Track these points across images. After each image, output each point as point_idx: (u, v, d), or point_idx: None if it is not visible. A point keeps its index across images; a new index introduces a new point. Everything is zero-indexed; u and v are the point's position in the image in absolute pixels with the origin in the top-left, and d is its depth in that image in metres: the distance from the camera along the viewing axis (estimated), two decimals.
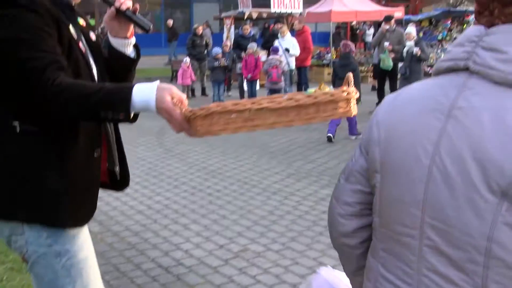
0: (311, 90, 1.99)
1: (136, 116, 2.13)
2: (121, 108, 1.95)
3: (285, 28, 13.88)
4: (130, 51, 2.40)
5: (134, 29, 2.38)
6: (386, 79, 13.02)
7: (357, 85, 10.70)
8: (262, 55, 16.19)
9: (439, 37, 23.59)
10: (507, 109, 1.29)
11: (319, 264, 4.86)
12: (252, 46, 13.59)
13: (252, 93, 13.27)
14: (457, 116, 1.35)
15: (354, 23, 27.62)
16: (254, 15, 18.76)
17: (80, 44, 2.19)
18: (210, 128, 1.91)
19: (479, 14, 1.39)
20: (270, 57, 12.67)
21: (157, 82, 1.99)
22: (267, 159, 8.72)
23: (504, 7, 1.32)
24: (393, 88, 12.79)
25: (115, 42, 2.35)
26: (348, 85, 1.91)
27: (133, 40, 2.39)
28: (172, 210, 6.20)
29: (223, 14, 21.54)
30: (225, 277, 4.68)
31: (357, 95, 1.91)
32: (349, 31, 29.70)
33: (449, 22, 23.36)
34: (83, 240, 2.25)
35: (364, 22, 26.54)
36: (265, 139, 10.12)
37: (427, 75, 14.67)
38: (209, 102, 13.83)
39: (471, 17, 22.51)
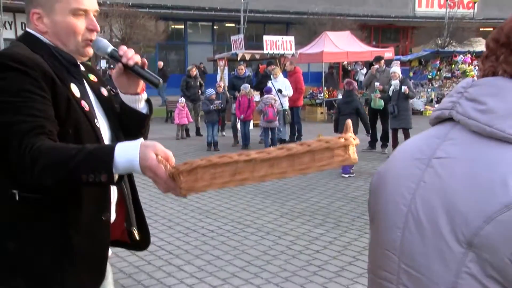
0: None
1: (121, 177, 2.00)
2: (102, 170, 1.81)
3: (277, 70, 14.03)
4: (142, 106, 2.32)
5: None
6: (377, 118, 13.15)
7: (364, 122, 11.04)
8: (256, 95, 16.36)
9: (429, 76, 23.92)
10: (480, 161, 1.32)
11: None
12: (245, 87, 13.67)
13: (246, 133, 13.34)
14: (434, 166, 1.39)
15: (346, 63, 27.95)
16: (247, 57, 18.91)
17: (83, 103, 2.09)
18: (195, 184, 1.75)
19: (486, 58, 1.41)
20: (265, 96, 12.78)
21: (141, 139, 1.87)
22: (261, 198, 8.73)
23: (510, 55, 1.34)
24: (384, 127, 12.91)
25: (125, 98, 2.28)
26: (347, 131, 1.73)
27: (144, 95, 2.31)
28: (166, 251, 6.18)
29: (217, 56, 21.73)
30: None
31: (357, 141, 1.73)
32: (341, 71, 30.07)
33: (438, 62, 23.66)
34: None
35: (356, 62, 26.85)
36: None
37: (416, 113, 14.80)
38: (204, 141, 13.94)
39: (459, 57, 22.88)
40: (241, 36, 20.50)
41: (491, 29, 36.44)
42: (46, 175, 1.83)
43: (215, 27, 32.02)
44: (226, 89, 15.41)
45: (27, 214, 2.00)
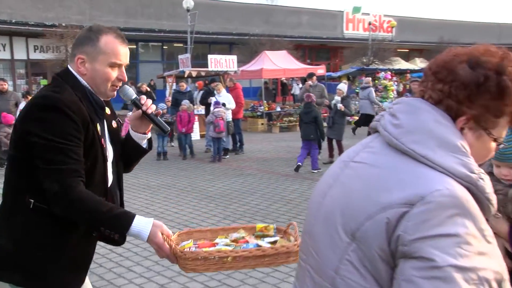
0: (259, 225, 2.44)
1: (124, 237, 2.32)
2: (118, 232, 2.18)
3: (220, 86, 13.99)
4: (144, 142, 2.58)
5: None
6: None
7: (320, 129, 11.36)
8: (201, 109, 16.28)
9: (356, 90, 24.38)
10: (381, 168, 1.37)
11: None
12: (186, 103, 13.49)
13: (188, 144, 13.30)
14: (350, 167, 1.46)
15: (283, 79, 28.15)
16: (194, 74, 18.85)
17: (103, 141, 2.32)
18: (197, 267, 2.13)
19: (421, 83, 1.46)
20: (216, 109, 12.69)
21: (152, 219, 2.19)
22: (206, 202, 8.63)
23: (436, 83, 1.39)
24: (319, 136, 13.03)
25: (134, 135, 2.53)
26: (296, 239, 2.23)
27: (149, 135, 2.57)
28: (116, 253, 6.00)
29: (166, 73, 21.55)
30: None
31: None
32: (279, 86, 30.28)
33: (363, 78, 24.16)
34: None
35: (293, 78, 27.09)
36: (204, 184, 10.07)
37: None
38: (154, 152, 13.73)
39: (381, 74, 23.49)
40: (188, 55, 20.41)
41: (407, 50, 37.81)
42: (76, 216, 2.15)
43: (164, 47, 31.73)
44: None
45: (34, 221, 2.19)
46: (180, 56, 20.62)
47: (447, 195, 1.24)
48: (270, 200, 8.78)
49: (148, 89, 17.07)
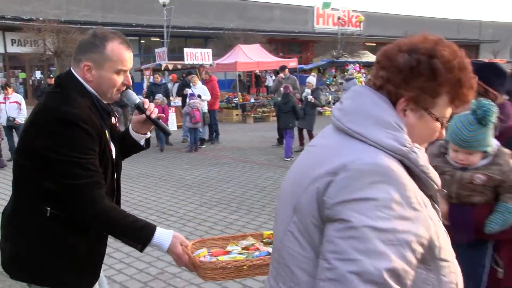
0: (266, 232, 2.47)
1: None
2: (140, 243, 2.17)
3: (195, 78, 13.88)
4: (143, 141, 2.59)
5: None
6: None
7: (298, 117, 11.54)
8: (177, 101, 16.15)
9: (327, 82, 24.52)
10: (326, 148, 1.44)
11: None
12: (159, 97, 13.02)
13: (162, 137, 13.01)
14: (305, 151, 1.55)
15: (257, 71, 28.12)
16: (170, 67, 18.69)
17: (111, 146, 2.34)
18: (216, 276, 2.17)
19: (373, 74, 1.51)
20: (192, 101, 12.58)
21: (172, 232, 2.25)
22: (183, 191, 8.60)
23: (378, 71, 1.45)
24: (280, 126, 13.06)
25: (135, 135, 2.54)
26: None
27: (148, 134, 2.59)
28: None
29: (143, 66, 21.31)
30: None
31: None
32: (253, 78, 30.25)
33: (333, 70, 24.34)
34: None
35: (266, 71, 27.06)
36: (181, 173, 10.02)
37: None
38: None
39: (350, 66, 23.61)
40: (165, 49, 20.21)
41: (374, 44, 38.15)
42: (101, 228, 2.23)
43: (141, 41, 31.38)
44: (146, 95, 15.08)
45: (51, 229, 2.18)
46: (157, 50, 20.39)
47: (368, 163, 1.29)
48: (245, 187, 8.78)
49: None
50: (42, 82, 15.74)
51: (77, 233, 2.23)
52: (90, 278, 2.37)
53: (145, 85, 18.51)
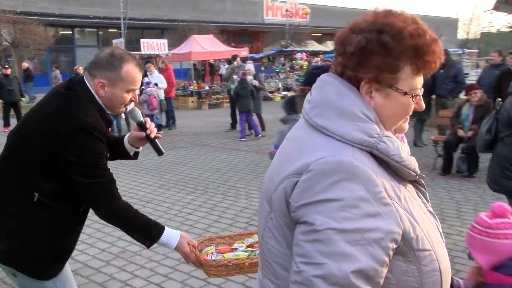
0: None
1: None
2: (149, 240, 2.26)
3: (152, 67, 13.64)
4: (132, 152, 2.60)
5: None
6: (235, 103, 13.22)
7: (256, 102, 11.76)
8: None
9: (276, 70, 24.59)
10: (297, 142, 1.32)
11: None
12: None
13: (118, 125, 12.63)
14: (283, 142, 1.41)
15: (211, 60, 27.89)
16: None
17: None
18: (219, 273, 2.22)
19: (333, 61, 1.37)
20: (148, 89, 12.35)
21: (179, 232, 2.34)
22: (142, 174, 8.50)
23: (336, 57, 1.32)
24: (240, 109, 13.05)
25: (128, 147, 2.56)
26: None
27: (140, 149, 2.62)
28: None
29: None
30: (106, 276, 4.49)
31: None
32: (208, 67, 30.01)
33: (282, 58, 24.42)
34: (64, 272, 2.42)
35: (219, 60, 26.87)
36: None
37: (267, 99, 15.19)
38: None
39: (298, 55, 23.76)
40: (122, 40, 19.85)
41: (320, 34, 38.42)
42: (115, 223, 2.31)
43: (99, 33, 30.55)
44: None
45: (35, 214, 2.21)
46: (114, 41, 20.02)
47: (330, 162, 1.18)
48: (201, 169, 8.76)
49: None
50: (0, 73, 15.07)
51: (56, 223, 2.25)
52: (64, 261, 2.39)
53: None
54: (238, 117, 12.31)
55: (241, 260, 2.20)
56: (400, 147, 1.25)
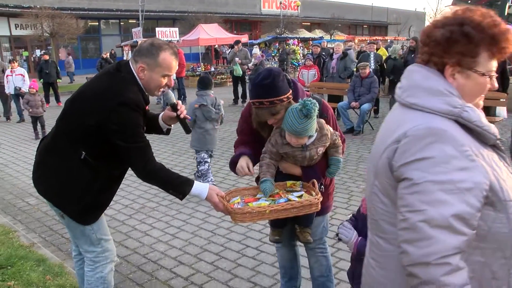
0: (289, 182, 2.39)
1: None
2: (181, 193, 2.27)
3: None
4: (165, 128, 2.61)
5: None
6: (238, 83, 13.11)
7: None
8: None
9: (272, 54, 24.27)
10: (394, 121, 1.38)
11: (196, 212, 4.82)
12: None
13: None
14: (383, 122, 1.48)
15: (216, 46, 27.52)
16: None
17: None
18: (244, 219, 2.17)
19: (419, 52, 1.42)
20: None
21: (207, 184, 2.33)
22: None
23: (422, 48, 1.38)
24: (243, 88, 12.93)
25: (162, 124, 2.57)
26: (317, 193, 2.22)
27: (171, 126, 2.62)
28: None
29: (123, 43, 20.55)
30: (130, 227, 4.52)
31: (321, 198, 2.20)
32: (213, 52, 29.63)
33: (277, 44, 24.09)
34: (100, 220, 2.48)
35: (223, 45, 26.49)
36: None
37: None
38: None
39: (290, 41, 23.40)
40: (140, 28, 19.50)
41: (309, 23, 37.85)
42: (153, 182, 2.29)
43: (121, 23, 30.02)
44: None
45: (80, 168, 2.26)
46: (133, 30, 19.68)
47: (423, 128, 1.24)
48: None
49: (108, 57, 16.08)
50: (41, 56, 14.96)
51: (97, 179, 2.29)
52: (100, 212, 2.45)
53: (125, 58, 17.79)
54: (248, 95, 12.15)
55: (263, 208, 2.16)
56: (480, 115, 1.29)
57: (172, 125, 2.63)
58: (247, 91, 12.39)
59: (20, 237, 4.21)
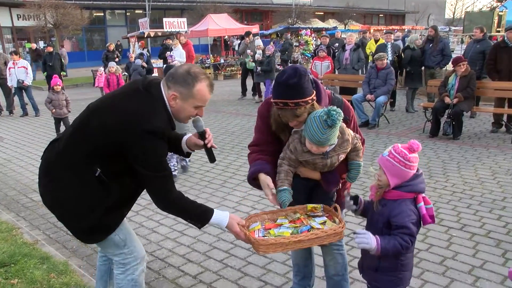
0: (309, 205, 2.39)
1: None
2: (201, 223, 2.29)
3: (177, 42, 13.48)
4: (186, 151, 2.60)
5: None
6: (247, 75, 13.07)
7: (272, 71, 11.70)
8: (159, 63, 15.74)
9: (294, 45, 24.10)
10: None
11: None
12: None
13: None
14: None
15: (226, 37, 27.49)
16: (152, 34, 18.14)
17: None
18: (267, 250, 2.17)
19: None
20: (174, 61, 12.16)
21: (228, 213, 2.32)
22: None
23: None
24: (254, 81, 12.87)
25: (184, 147, 2.56)
26: (340, 220, 2.23)
27: (193, 151, 2.60)
28: None
29: (129, 34, 20.62)
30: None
31: (345, 227, 2.22)
32: (223, 43, 29.60)
33: (289, 34, 23.92)
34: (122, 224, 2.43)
35: (233, 36, 26.47)
36: None
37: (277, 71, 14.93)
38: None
39: (303, 32, 23.25)
40: (147, 19, 19.58)
41: (322, 13, 37.58)
42: (172, 212, 2.31)
43: (127, 14, 30.17)
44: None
45: (94, 185, 2.19)
46: (140, 20, 19.73)
47: None
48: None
49: (114, 49, 16.12)
50: (44, 47, 15.04)
51: (109, 198, 2.23)
52: (105, 234, 2.37)
53: (131, 50, 17.86)
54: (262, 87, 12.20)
55: (286, 239, 2.15)
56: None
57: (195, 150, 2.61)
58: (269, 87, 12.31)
59: (23, 234, 4.26)
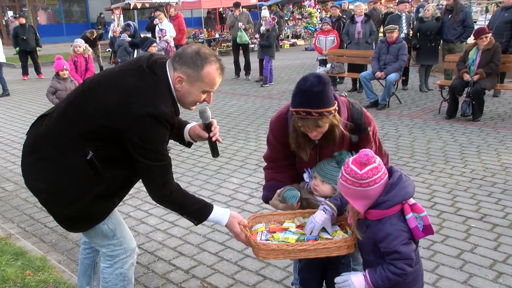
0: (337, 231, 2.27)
1: None
2: (198, 220, 2.33)
3: (162, 15, 13.33)
4: (187, 141, 2.61)
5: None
6: (239, 52, 12.87)
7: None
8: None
9: (285, 18, 23.94)
10: None
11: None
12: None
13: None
14: None
15: (221, 9, 27.27)
16: (138, 5, 17.98)
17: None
18: (267, 256, 2.17)
19: None
20: (166, 36, 12.07)
21: (228, 211, 2.36)
22: None
23: None
24: (246, 58, 12.75)
25: (187, 137, 2.56)
26: (353, 231, 2.10)
27: (195, 142, 2.62)
28: None
29: (113, 6, 20.41)
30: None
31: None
32: (218, 16, 29.38)
33: (291, 6, 23.74)
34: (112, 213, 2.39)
35: (229, 8, 26.23)
36: None
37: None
38: None
39: (306, 2, 23.05)
40: None
41: None
42: (167, 206, 2.36)
43: None
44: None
45: (84, 168, 2.15)
46: None
47: None
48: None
49: (94, 37, 15.53)
50: (10, 20, 14.74)
51: (99, 186, 2.19)
52: (90, 224, 2.33)
53: (115, 23, 17.66)
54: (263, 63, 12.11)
55: (290, 246, 2.12)
56: None
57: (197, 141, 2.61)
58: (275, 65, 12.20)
59: None
